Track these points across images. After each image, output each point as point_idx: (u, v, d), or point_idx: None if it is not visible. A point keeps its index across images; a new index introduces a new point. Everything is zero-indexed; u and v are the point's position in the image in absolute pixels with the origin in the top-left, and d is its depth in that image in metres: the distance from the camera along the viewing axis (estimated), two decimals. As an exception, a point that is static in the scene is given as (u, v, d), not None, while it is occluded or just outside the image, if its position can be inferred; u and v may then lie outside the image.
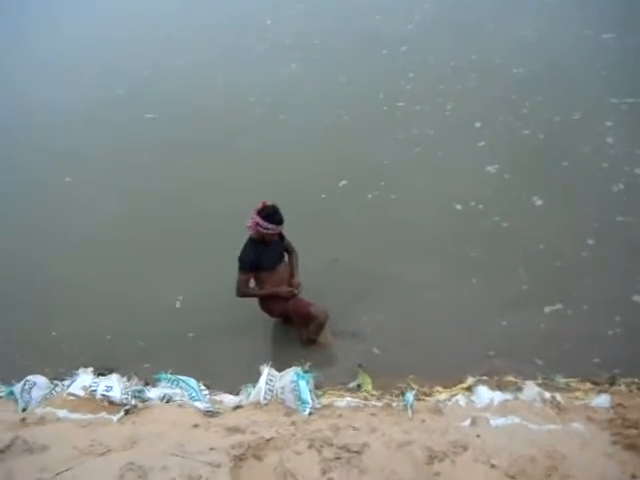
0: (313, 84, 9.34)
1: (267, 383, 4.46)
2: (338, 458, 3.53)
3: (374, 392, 4.63)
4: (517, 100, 8.06)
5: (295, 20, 11.54)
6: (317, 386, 4.58)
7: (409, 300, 5.57)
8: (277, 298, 5.18)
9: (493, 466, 3.44)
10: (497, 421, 3.93)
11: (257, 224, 4.83)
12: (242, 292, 5.09)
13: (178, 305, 5.93)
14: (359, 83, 9.16)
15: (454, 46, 9.54)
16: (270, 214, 4.83)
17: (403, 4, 11.23)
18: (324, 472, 3.48)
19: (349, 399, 4.45)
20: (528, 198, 6.43)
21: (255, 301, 5.30)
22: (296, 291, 5.18)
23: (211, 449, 3.63)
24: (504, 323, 5.20)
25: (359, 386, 4.75)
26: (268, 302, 5.27)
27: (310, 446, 3.64)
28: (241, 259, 4.99)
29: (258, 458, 3.58)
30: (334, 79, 9.35)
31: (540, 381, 4.49)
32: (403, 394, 4.39)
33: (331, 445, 3.64)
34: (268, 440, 3.71)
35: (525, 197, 6.45)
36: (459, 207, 6.49)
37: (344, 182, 7.18)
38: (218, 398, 4.75)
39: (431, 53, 9.51)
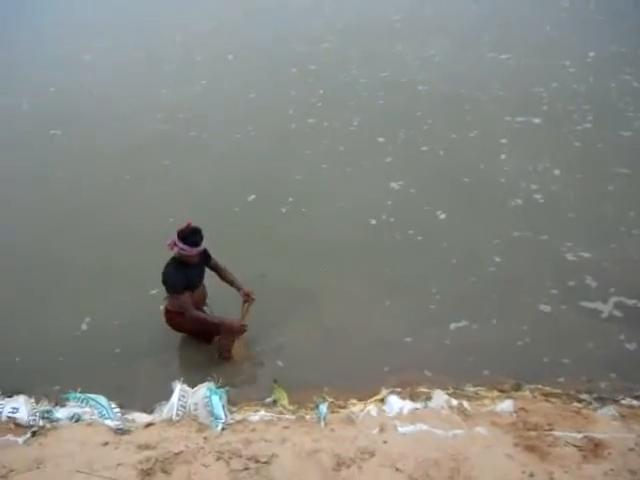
0: (223, 100, 9.40)
1: (179, 400, 4.42)
2: (247, 469, 3.56)
3: (290, 407, 4.63)
4: (420, 117, 8.37)
5: (207, 36, 11.71)
6: (232, 402, 4.57)
7: (331, 316, 5.54)
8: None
9: (398, 470, 3.55)
10: (405, 428, 4.03)
11: (174, 244, 4.79)
12: (191, 315, 4.91)
13: (85, 327, 5.69)
14: (269, 100, 9.30)
15: (364, 64, 9.88)
16: (186, 236, 4.76)
17: (317, 25, 11.57)
18: (232, 482, 3.49)
19: (263, 413, 4.45)
20: (432, 212, 6.61)
21: (161, 319, 5.22)
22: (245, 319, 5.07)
23: (119, 465, 3.60)
24: (408, 339, 5.28)
25: (275, 401, 4.73)
26: (178, 317, 5.09)
27: (218, 458, 3.66)
28: (171, 283, 4.88)
29: (166, 472, 3.56)
30: (244, 95, 9.46)
31: (450, 390, 4.60)
32: (317, 407, 4.42)
33: (240, 456, 3.66)
34: (176, 454, 3.70)
35: (429, 211, 6.63)
36: (374, 222, 6.58)
37: (253, 196, 7.17)
38: (130, 417, 4.64)
39: (341, 71, 9.79)
